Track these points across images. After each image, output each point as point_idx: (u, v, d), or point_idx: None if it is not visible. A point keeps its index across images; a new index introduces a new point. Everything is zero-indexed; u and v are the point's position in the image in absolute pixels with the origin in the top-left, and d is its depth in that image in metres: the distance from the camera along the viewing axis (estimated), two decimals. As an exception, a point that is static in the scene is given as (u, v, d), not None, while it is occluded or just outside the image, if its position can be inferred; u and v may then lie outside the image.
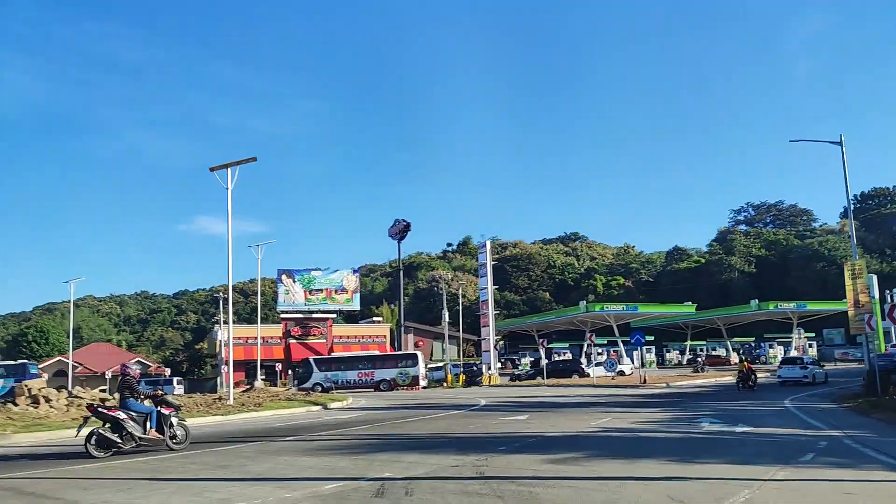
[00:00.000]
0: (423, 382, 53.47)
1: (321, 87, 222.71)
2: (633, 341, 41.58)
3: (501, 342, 72.42)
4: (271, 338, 72.38)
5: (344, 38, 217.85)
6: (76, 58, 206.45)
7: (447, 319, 66.60)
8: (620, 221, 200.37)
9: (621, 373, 55.94)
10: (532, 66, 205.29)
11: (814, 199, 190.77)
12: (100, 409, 13.50)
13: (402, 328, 70.76)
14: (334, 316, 76.49)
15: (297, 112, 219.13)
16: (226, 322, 30.06)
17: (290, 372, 70.37)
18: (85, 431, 13.39)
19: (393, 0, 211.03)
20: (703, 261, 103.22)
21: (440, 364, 66.63)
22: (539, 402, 29.00)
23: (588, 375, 55.35)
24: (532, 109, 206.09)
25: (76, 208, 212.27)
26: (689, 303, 73.79)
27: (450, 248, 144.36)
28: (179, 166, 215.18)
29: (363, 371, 53.66)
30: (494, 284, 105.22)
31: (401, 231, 71.35)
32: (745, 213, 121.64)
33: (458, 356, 74.86)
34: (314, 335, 73.46)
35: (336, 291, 77.22)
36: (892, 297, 71.19)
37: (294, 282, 76.39)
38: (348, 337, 75.15)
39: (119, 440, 12.99)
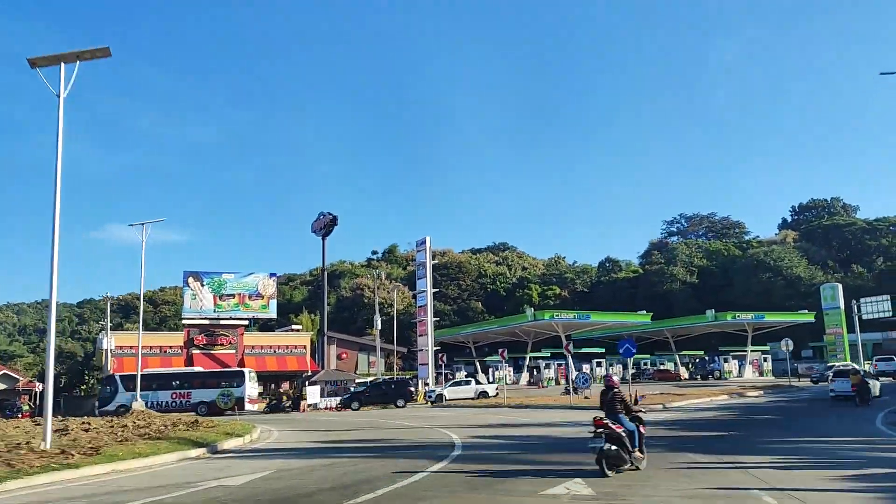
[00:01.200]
0: (250, 406, 43.55)
1: (246, 94, 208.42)
2: (621, 351, 32.09)
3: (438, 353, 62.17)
4: (170, 347, 60.21)
5: (271, 44, 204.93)
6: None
7: (378, 326, 56.01)
8: (548, 233, 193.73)
9: (484, 394, 46.08)
10: (479, 77, 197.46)
11: (746, 212, 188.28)
12: (609, 424, 11.42)
13: (325, 337, 59.69)
14: (246, 323, 64.69)
15: (221, 119, 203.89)
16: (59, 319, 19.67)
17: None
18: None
19: (324, 7, 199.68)
20: (641, 271, 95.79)
21: (369, 379, 56.06)
22: (538, 437, 19.05)
23: (413, 399, 46.21)
24: (460, 120, 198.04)
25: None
26: (644, 311, 65.37)
27: (375, 256, 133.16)
28: (91, 171, 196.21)
29: (179, 392, 43.28)
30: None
31: (326, 225, 60.44)
32: (678, 224, 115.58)
33: (394, 370, 64.50)
34: (222, 345, 61.53)
35: (250, 297, 65.56)
36: (858, 307, 65.01)
37: (203, 286, 64.32)
38: (262, 347, 63.49)
39: (628, 459, 11.31)
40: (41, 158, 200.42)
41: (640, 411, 12.52)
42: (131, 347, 58.62)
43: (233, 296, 65.16)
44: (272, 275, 67.64)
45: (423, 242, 55.64)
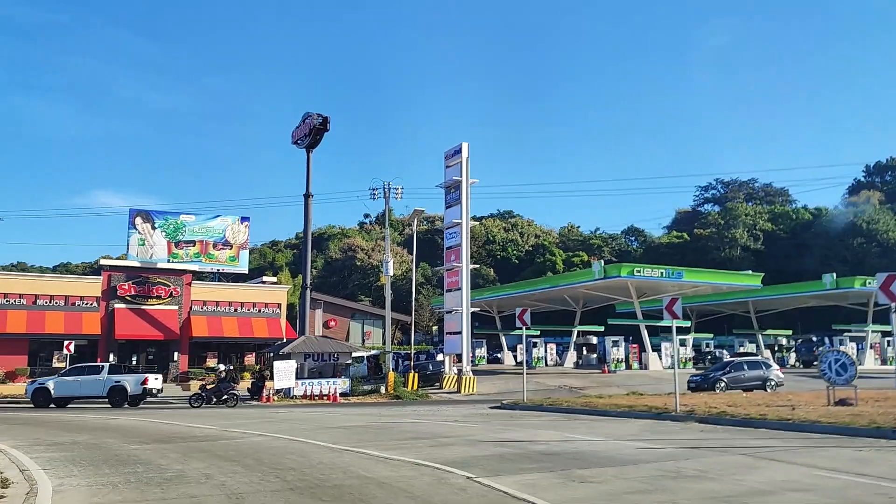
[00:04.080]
0: None
1: (227, 63, 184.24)
2: None
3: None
4: (81, 299, 38.92)
5: (258, 14, 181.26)
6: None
7: (390, 272, 35.22)
8: (556, 205, 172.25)
9: (121, 392, 26.98)
10: (486, 46, 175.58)
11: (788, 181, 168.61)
12: None
13: (308, 292, 38.68)
14: (196, 269, 43.56)
15: (200, 88, 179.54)
16: None
17: (111, 359, 37.45)
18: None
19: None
20: (686, 237, 75.57)
21: (373, 351, 35.44)
22: None
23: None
24: (455, 86, 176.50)
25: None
26: (751, 272, 45.08)
27: (367, 220, 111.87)
28: (70, 136, 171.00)
29: None
30: (424, 260, 74.35)
31: (313, 131, 39.07)
32: (714, 191, 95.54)
33: (406, 342, 43.75)
34: (159, 297, 40.45)
35: (216, 246, 44.93)
36: None
37: (154, 228, 43.40)
38: (218, 304, 42.35)
39: None
40: (20, 125, 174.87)
41: None
42: (21, 296, 37.68)
43: (193, 243, 44.39)
44: (244, 219, 46.67)
45: (459, 152, 34.78)
